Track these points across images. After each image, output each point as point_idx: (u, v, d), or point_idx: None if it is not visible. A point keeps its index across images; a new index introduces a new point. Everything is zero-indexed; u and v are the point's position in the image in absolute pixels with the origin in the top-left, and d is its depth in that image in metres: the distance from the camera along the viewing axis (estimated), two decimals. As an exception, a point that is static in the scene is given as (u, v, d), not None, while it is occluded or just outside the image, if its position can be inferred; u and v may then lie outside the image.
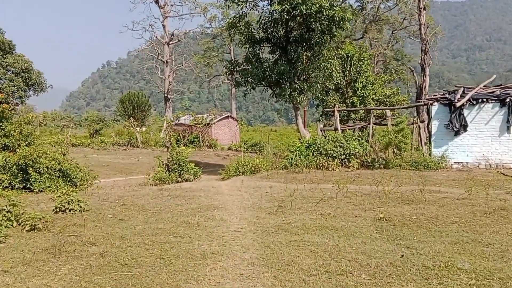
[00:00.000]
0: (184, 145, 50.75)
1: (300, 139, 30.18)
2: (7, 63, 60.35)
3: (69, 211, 12.63)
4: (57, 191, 14.15)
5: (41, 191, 18.02)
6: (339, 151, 24.99)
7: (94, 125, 63.20)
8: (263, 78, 30.58)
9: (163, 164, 25.15)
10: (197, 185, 20.93)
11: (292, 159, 25.71)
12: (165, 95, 70.15)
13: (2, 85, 59.76)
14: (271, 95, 32.17)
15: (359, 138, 26.29)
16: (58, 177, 18.97)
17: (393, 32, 79.57)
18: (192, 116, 59.50)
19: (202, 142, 54.46)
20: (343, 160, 25.01)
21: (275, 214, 12.68)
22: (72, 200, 12.80)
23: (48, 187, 18.11)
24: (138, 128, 60.05)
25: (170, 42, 71.07)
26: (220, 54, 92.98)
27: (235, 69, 33.27)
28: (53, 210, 12.77)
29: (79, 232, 10.63)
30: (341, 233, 10.40)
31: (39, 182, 18.06)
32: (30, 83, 63.95)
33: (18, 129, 19.81)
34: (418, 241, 9.75)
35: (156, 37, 72.77)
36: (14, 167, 17.85)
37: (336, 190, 15.87)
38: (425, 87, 34.83)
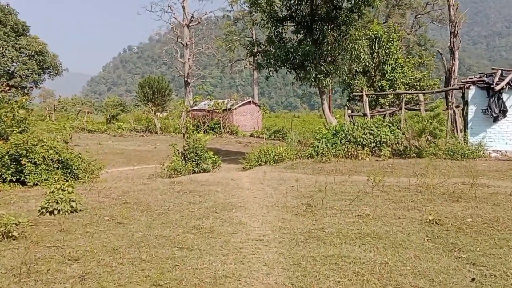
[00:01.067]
0: (204, 132, 49.15)
1: (325, 126, 28.07)
2: (20, 45, 58.57)
3: (58, 212, 10.59)
4: (51, 185, 12.01)
5: (36, 184, 15.90)
6: (369, 138, 22.78)
7: (111, 110, 61.48)
8: (287, 59, 28.36)
9: (178, 153, 23.21)
10: (215, 176, 18.93)
11: (318, 147, 23.58)
12: (185, 79, 67.88)
13: (15, 68, 57.99)
14: (295, 78, 29.94)
15: (390, 125, 24.02)
16: (57, 168, 16.77)
17: (416, 16, 76.85)
18: (211, 100, 57.26)
19: (223, 128, 52.26)
20: (374, 149, 22.82)
21: (304, 216, 10.57)
22: (62, 198, 10.73)
23: (45, 179, 15.92)
24: (158, 114, 58.35)
25: (190, 24, 68.62)
26: (242, 38, 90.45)
27: (256, 50, 31.02)
28: (39, 211, 10.76)
29: (62, 242, 8.55)
30: (387, 243, 8.30)
31: (34, 174, 15.93)
32: (44, 66, 62.03)
33: (11, 113, 17.54)
34: (482, 253, 7.69)
35: (175, 19, 70.31)
36: (6, 157, 15.63)
37: (371, 184, 13.72)
38: (454, 71, 32.27)
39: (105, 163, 21.92)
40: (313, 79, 27.50)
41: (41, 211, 10.62)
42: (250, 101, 59.06)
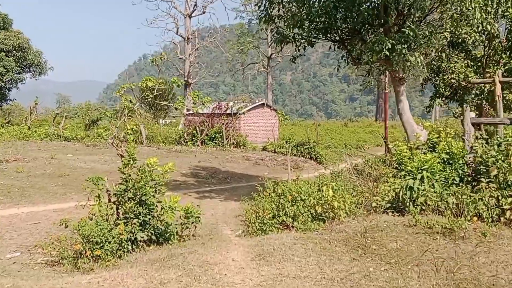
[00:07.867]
0: (201, 143, 36.01)
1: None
2: (-3, 40, 48.34)
3: None
4: None
5: None
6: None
7: (91, 114, 48.95)
8: (329, 25, 14.96)
9: (108, 197, 10.08)
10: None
11: (414, 190, 10.06)
12: (185, 78, 54.11)
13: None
14: (344, 58, 16.26)
15: None
16: None
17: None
18: (204, 102, 41.56)
19: (226, 139, 37.58)
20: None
21: None
22: None
23: None
24: (161, 121, 47.00)
25: (193, 15, 54.94)
26: (256, 40, 78.69)
27: (278, 14, 16.98)
28: None
29: None
30: None
31: None
32: (25, 63, 52.23)
33: None
34: None
35: (174, 8, 56.36)
36: None
37: None
38: None
39: None
40: (384, 55, 13.56)
41: None
42: (263, 104, 43.29)
